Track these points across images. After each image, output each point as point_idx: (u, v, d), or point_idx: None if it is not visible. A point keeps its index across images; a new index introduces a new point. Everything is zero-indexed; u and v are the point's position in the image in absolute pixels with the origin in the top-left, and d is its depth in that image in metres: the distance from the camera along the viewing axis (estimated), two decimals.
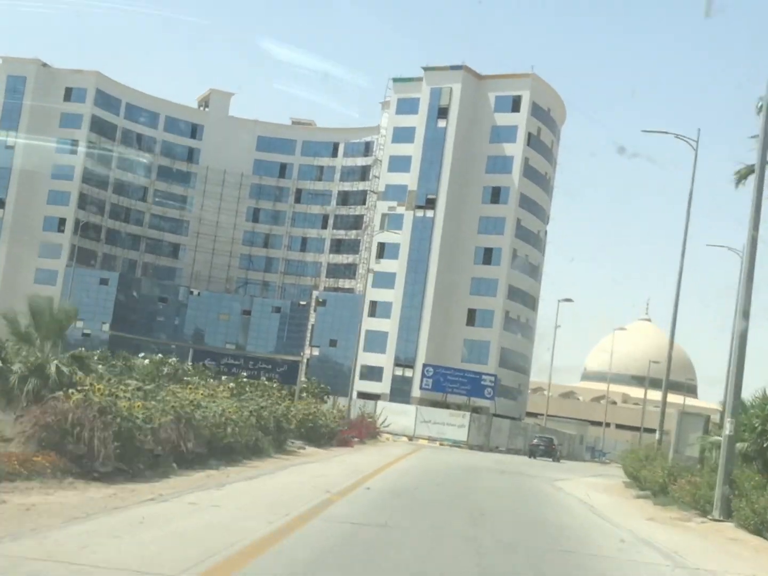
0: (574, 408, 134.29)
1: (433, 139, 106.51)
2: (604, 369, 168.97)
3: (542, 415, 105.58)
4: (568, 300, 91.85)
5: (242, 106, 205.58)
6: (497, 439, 70.45)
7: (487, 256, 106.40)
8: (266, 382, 53.71)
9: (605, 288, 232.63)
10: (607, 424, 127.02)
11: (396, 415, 68.41)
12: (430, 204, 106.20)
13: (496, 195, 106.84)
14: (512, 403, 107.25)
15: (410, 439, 66.63)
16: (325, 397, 64.70)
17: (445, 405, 74.23)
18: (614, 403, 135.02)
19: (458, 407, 75.49)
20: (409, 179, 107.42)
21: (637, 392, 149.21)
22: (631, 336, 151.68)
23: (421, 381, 68.82)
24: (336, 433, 43.90)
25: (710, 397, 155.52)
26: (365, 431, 52.35)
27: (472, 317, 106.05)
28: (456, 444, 65.78)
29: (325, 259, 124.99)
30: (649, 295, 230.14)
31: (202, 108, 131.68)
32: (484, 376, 72.03)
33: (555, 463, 65.25)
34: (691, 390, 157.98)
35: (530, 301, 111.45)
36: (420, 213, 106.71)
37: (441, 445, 65.00)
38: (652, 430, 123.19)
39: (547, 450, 68.37)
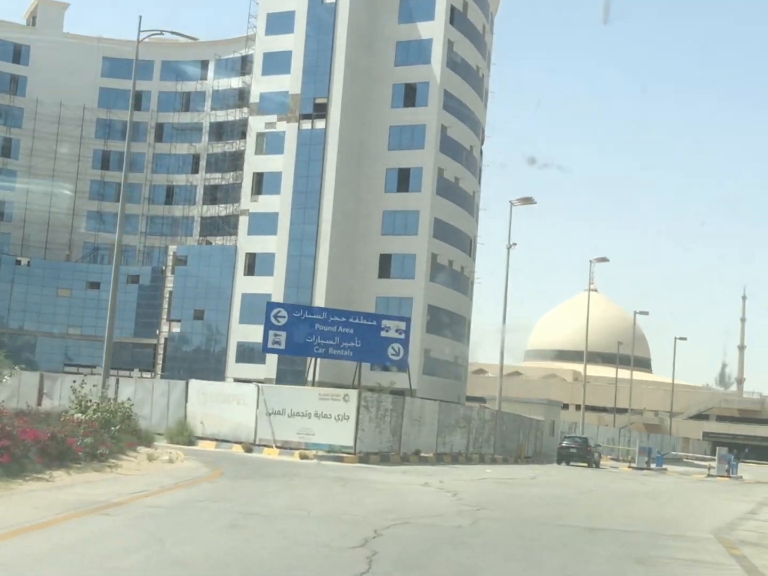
0: (525, 389, 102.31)
1: (320, 23, 72.36)
2: (551, 346, 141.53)
3: (488, 398, 72.96)
4: (513, 245, 57.61)
5: (81, 19, 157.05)
6: (416, 438, 36.36)
7: (403, 179, 72.62)
8: None
9: (550, 253, 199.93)
10: (566, 406, 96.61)
11: (224, 403, 34.18)
12: (320, 111, 72.09)
13: (411, 95, 73.03)
14: (447, 382, 73.45)
15: (248, 448, 32.45)
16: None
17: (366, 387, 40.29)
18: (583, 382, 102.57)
19: (371, 390, 41.60)
20: (290, 82, 73.23)
21: (590, 369, 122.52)
22: (578, 309, 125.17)
23: (265, 337, 34.43)
24: None
25: (664, 372, 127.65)
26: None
27: (386, 266, 72.29)
28: (334, 452, 31.61)
29: (197, 212, 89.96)
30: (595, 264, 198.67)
31: (29, 25, 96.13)
32: (385, 323, 37.66)
33: (596, 470, 46.34)
34: (645, 364, 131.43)
35: (465, 243, 77.62)
36: (307, 125, 72.54)
37: (303, 457, 30.73)
38: (623, 410, 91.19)
39: (581, 453, 50.77)
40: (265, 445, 32.59)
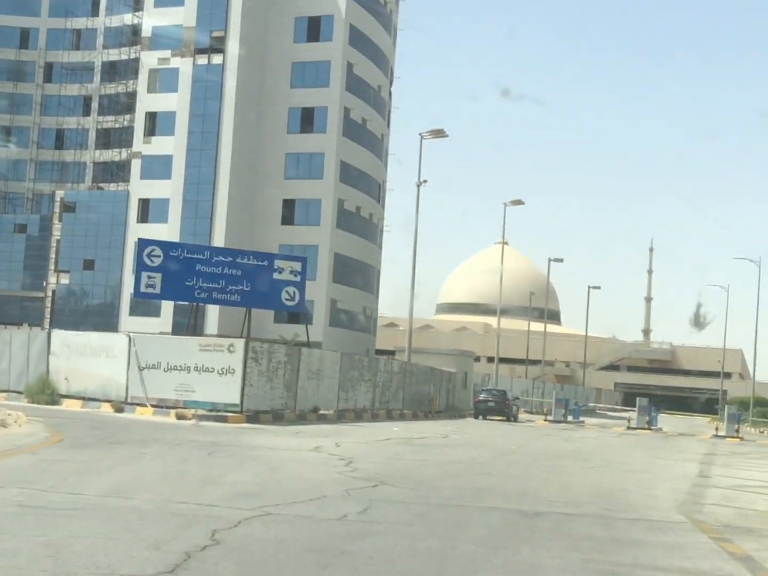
0: (436, 343, 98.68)
1: None
2: (462, 299, 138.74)
3: (398, 351, 68.99)
4: (423, 182, 53.01)
5: None
6: (314, 393, 32.02)
7: (307, 119, 67.74)
8: None
9: (459, 207, 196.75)
10: (478, 358, 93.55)
11: (92, 357, 29.32)
12: (217, 46, 66.61)
13: (314, 29, 67.94)
14: (356, 335, 69.27)
15: (118, 408, 27.68)
16: None
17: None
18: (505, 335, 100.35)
19: (282, 341, 37.21)
20: (185, 14, 67.44)
21: (501, 322, 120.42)
22: (490, 261, 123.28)
23: (137, 280, 29.31)
24: None
25: (572, 324, 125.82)
26: None
27: (289, 211, 67.58)
28: (218, 411, 27.13)
29: (89, 157, 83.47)
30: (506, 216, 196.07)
31: None
32: (278, 263, 32.93)
33: (514, 425, 43.42)
34: (555, 317, 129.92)
35: (374, 189, 73.17)
36: (203, 60, 67.04)
37: (181, 417, 26.13)
38: (535, 362, 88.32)
39: (499, 407, 47.72)
40: (138, 404, 27.84)
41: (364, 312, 71.93)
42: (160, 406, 27.50)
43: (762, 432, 59.58)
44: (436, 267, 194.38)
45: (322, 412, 32.52)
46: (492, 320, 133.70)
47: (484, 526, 10.12)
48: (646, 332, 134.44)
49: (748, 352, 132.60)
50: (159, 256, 29.90)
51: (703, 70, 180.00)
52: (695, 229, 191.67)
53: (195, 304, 36.31)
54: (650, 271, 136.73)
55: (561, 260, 70.90)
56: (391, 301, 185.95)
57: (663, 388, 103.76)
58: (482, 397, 48.65)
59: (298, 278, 32.63)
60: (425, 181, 45.36)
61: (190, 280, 30.65)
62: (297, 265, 32.90)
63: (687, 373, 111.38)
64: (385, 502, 11.49)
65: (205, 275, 30.89)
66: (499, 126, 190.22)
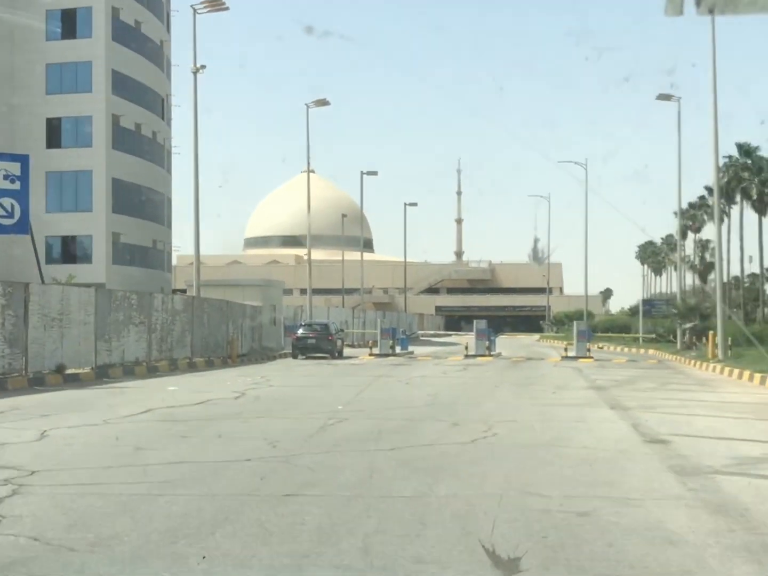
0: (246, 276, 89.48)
1: None
2: (271, 232, 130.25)
3: (188, 286, 59.59)
4: (201, 68, 43.31)
5: None
6: (56, 347, 22.41)
7: (69, 22, 56.24)
8: None
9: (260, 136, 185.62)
10: (291, 291, 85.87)
11: None
12: None
13: None
14: (147, 272, 59.07)
15: None
16: None
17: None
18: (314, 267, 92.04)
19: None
20: None
21: (314, 254, 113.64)
22: (297, 191, 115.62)
23: None
24: None
25: (387, 251, 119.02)
26: None
27: (55, 132, 56.24)
28: None
29: None
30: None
31: None
32: None
33: (338, 364, 34.68)
34: (368, 245, 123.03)
35: (156, 103, 62.39)
36: None
37: None
38: (351, 290, 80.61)
39: (322, 343, 40.09)
40: None
41: (155, 246, 61.65)
42: None
43: (601, 348, 53.67)
44: (248, 199, 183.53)
45: (71, 371, 23.02)
46: (305, 252, 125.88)
47: None
48: (459, 254, 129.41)
49: (567, 265, 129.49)
50: None
51: None
52: (508, 148, 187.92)
53: None
54: (459, 193, 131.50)
55: (375, 173, 62.52)
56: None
57: (484, 308, 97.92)
58: (301, 333, 40.15)
59: (17, 185, 22.67)
60: (203, 67, 35.66)
61: None
62: (15, 167, 22.85)
63: (509, 291, 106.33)
64: None
65: None
66: (305, 61, 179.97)
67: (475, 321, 42.71)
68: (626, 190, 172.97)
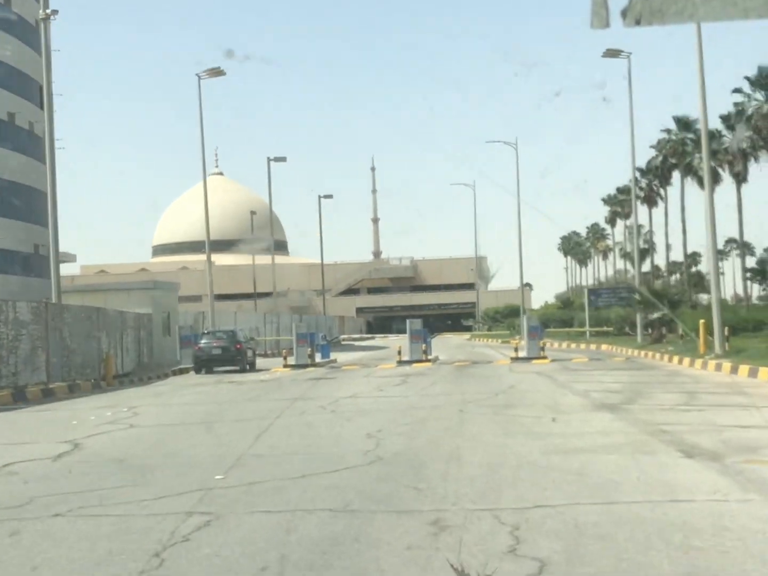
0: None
1: None
2: (180, 238, 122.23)
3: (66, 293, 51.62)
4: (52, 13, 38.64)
5: None
6: None
7: None
8: None
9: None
10: (200, 298, 78.33)
11: None
12: None
13: None
14: (26, 281, 50.88)
15: None
16: None
17: None
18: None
19: None
20: None
21: (224, 258, 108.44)
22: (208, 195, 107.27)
23: None
24: None
25: (301, 253, 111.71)
26: None
27: None
28: None
29: None
30: (216, 145, 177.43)
31: None
32: None
33: (244, 381, 27.19)
34: (282, 247, 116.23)
35: (33, 91, 54.09)
36: None
37: None
38: (264, 294, 73.51)
39: (229, 354, 33.09)
40: None
41: (37, 251, 53.47)
42: None
43: (544, 344, 47.11)
44: (159, 204, 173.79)
45: None
46: (216, 257, 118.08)
47: None
48: (376, 254, 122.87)
49: (492, 260, 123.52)
50: None
51: None
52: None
53: None
54: (374, 191, 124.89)
55: (283, 159, 55.14)
56: (97, 245, 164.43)
57: (408, 307, 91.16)
58: (204, 343, 33.11)
59: None
60: (55, 12, 27.90)
61: None
62: None
63: (433, 288, 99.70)
64: None
65: None
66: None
67: (408, 321, 35.66)
68: (551, 181, 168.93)
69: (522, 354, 34.05)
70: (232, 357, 33.29)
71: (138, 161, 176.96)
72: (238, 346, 33.55)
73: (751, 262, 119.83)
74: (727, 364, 22.32)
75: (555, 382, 21.66)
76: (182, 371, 33.53)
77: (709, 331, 26.19)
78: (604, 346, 42.36)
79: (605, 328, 47.44)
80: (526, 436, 11.58)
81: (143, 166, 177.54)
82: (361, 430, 12.77)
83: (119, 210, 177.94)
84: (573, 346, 46.24)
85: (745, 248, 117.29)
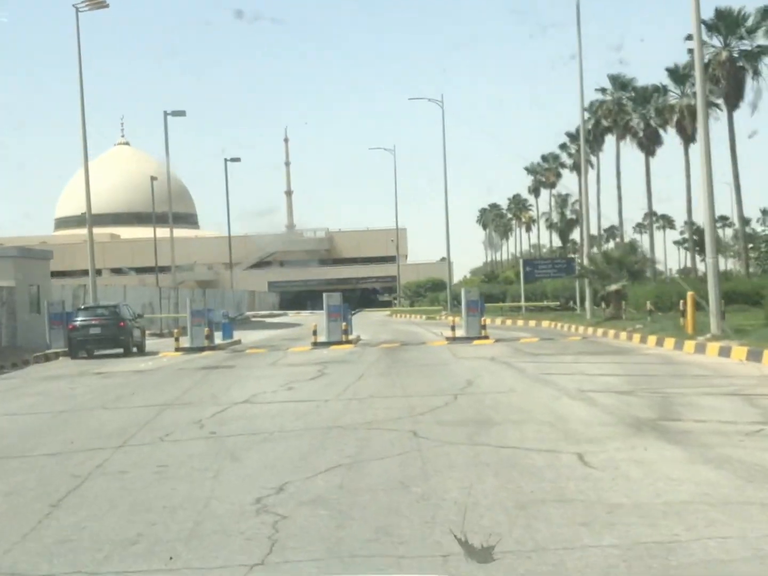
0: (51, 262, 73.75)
1: None
2: (79, 212, 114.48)
3: None
4: None
5: None
6: None
7: None
8: None
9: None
10: (99, 272, 71.07)
11: None
12: None
13: None
14: None
15: None
16: None
17: None
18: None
19: None
20: None
21: (130, 231, 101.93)
22: (110, 166, 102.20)
23: None
24: None
25: (212, 227, 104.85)
26: None
27: None
28: None
29: None
30: (122, 113, 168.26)
31: None
32: None
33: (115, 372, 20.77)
34: (191, 220, 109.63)
35: None
36: None
37: None
38: (166, 268, 67.69)
39: (111, 333, 27.69)
40: None
41: None
42: None
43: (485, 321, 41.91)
44: (61, 175, 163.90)
45: None
46: (120, 230, 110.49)
47: None
48: (289, 226, 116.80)
49: (412, 231, 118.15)
50: None
51: None
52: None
53: None
54: (288, 163, 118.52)
55: (182, 113, 48.60)
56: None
57: (324, 281, 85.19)
58: (80, 321, 27.47)
59: None
60: None
61: None
62: None
63: (350, 261, 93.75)
64: None
65: None
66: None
67: (325, 295, 29.87)
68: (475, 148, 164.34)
69: (460, 333, 28.70)
70: (114, 337, 27.74)
71: (40, 129, 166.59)
72: (122, 324, 27.78)
73: (674, 235, 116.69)
74: (740, 349, 17.10)
75: (522, 373, 16.22)
76: (51, 357, 27.34)
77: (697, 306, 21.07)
78: (545, 323, 37.27)
79: (546, 303, 42.33)
80: (560, 512, 5.96)
81: (47, 134, 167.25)
82: (249, 486, 7.05)
83: (21, 183, 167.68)
84: (509, 322, 41.05)
85: (665, 220, 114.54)
